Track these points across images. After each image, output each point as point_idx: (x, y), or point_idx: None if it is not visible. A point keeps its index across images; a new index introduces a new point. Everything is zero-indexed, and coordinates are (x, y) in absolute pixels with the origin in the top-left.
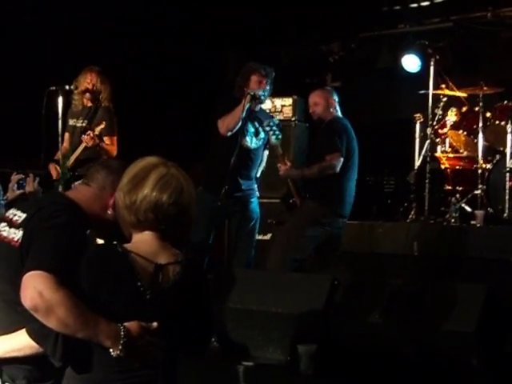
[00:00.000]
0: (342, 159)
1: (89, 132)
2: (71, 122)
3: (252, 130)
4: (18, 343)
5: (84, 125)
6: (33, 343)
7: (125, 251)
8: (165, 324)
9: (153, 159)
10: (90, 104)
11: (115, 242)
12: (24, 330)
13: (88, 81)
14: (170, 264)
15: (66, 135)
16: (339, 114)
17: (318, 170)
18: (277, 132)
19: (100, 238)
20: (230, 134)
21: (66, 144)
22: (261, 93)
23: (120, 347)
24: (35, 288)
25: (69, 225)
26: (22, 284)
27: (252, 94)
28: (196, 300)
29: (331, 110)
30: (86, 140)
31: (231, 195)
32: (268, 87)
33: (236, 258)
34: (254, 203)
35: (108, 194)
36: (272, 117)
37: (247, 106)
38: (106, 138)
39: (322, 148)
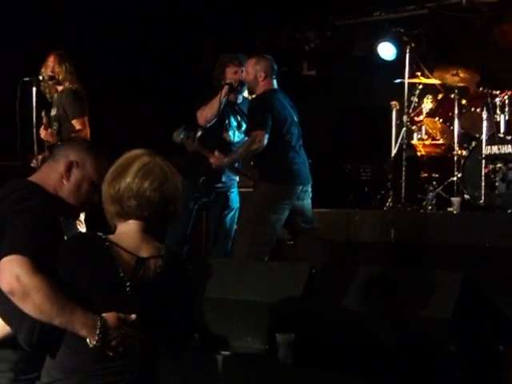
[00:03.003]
0: (265, 134)
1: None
2: (52, 112)
3: (235, 123)
4: None
5: (55, 113)
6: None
7: (108, 242)
8: (145, 317)
9: (138, 150)
10: (59, 90)
11: (100, 233)
12: None
13: (49, 68)
14: (152, 258)
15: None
16: (272, 85)
17: (243, 149)
18: (190, 135)
19: (68, 217)
20: (208, 124)
21: None
22: (237, 82)
23: (96, 337)
24: (12, 272)
25: (39, 207)
26: None
27: (229, 83)
28: (177, 295)
29: (260, 82)
30: (44, 136)
31: (212, 186)
32: (245, 81)
33: (215, 247)
34: (235, 193)
35: (61, 163)
36: None
37: (225, 97)
38: (74, 122)
39: (249, 125)
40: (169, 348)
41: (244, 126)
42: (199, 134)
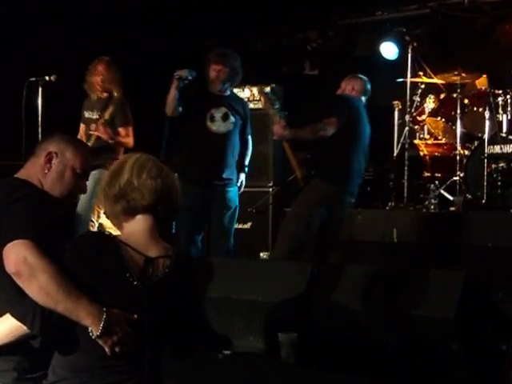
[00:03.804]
0: (335, 127)
1: (98, 122)
2: (86, 114)
3: (219, 115)
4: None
5: (97, 116)
6: (9, 327)
7: (117, 241)
8: (152, 317)
9: (128, 154)
10: (103, 95)
11: (109, 232)
12: (4, 317)
13: (97, 72)
14: (160, 257)
15: (82, 126)
16: (360, 99)
17: (311, 130)
18: (275, 103)
19: (55, 209)
20: (172, 115)
21: (81, 135)
22: (186, 74)
23: (100, 328)
24: (19, 254)
25: (31, 195)
26: (3, 254)
27: (176, 76)
28: (184, 295)
29: (348, 92)
30: (95, 129)
31: (208, 183)
32: (226, 74)
33: (213, 246)
34: (233, 192)
35: (41, 156)
36: (244, 102)
37: (175, 89)
38: (120, 130)
39: (322, 114)
40: (175, 348)
41: (231, 118)
42: (278, 105)
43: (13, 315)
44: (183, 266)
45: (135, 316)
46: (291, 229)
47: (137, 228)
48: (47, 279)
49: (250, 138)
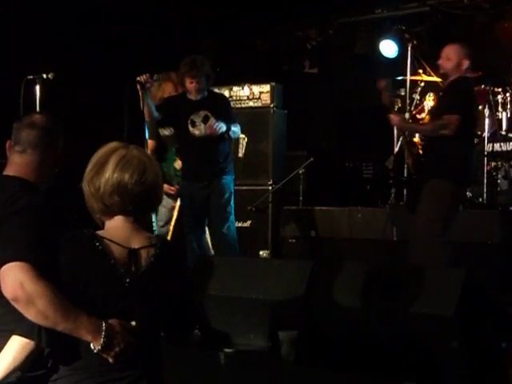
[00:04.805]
0: (458, 122)
1: None
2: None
3: (198, 119)
4: (7, 358)
5: None
6: (18, 348)
7: (99, 237)
8: (144, 307)
9: (113, 143)
10: None
11: (88, 230)
12: (11, 338)
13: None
14: (143, 248)
15: (152, 142)
16: (467, 74)
17: (433, 127)
18: (392, 89)
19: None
20: (153, 120)
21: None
22: (145, 77)
23: (102, 342)
24: (15, 279)
25: (32, 207)
26: (0, 276)
27: (138, 82)
28: (174, 282)
29: (461, 68)
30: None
31: (206, 179)
32: (203, 83)
33: (213, 235)
34: (226, 180)
35: (42, 151)
36: (220, 97)
37: (143, 94)
38: None
39: (442, 108)
40: (170, 334)
41: (211, 119)
42: (395, 95)
43: (19, 334)
44: (169, 254)
45: (133, 323)
46: (437, 235)
47: (117, 225)
48: (44, 304)
49: (236, 124)
